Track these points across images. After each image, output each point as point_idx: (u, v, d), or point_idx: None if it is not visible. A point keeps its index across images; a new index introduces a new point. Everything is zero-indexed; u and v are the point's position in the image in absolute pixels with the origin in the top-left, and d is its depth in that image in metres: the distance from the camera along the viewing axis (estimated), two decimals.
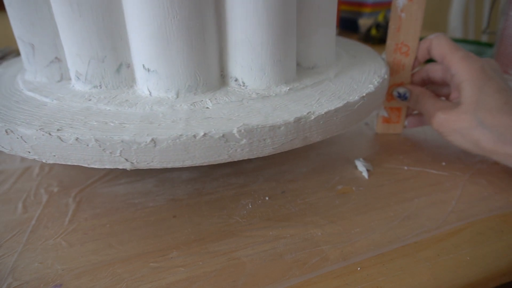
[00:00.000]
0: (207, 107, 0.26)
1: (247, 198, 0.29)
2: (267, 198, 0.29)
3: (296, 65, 0.31)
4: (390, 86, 0.36)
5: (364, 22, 0.83)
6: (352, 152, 0.36)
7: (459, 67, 0.30)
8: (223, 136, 0.23)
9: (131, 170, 0.33)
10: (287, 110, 0.26)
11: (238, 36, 0.27)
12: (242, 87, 0.29)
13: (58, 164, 0.34)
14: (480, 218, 0.27)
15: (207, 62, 0.27)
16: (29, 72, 0.31)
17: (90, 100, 0.27)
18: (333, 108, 0.26)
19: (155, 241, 0.25)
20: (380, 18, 0.78)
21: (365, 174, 0.32)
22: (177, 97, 0.27)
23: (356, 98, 0.28)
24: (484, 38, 1.03)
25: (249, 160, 0.34)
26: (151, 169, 0.32)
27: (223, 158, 0.24)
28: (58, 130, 0.23)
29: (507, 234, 0.25)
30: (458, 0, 1.11)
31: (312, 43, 0.32)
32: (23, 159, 0.35)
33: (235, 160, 0.25)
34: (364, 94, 0.28)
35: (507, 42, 0.48)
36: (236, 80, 0.29)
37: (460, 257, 0.24)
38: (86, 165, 0.24)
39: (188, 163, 0.24)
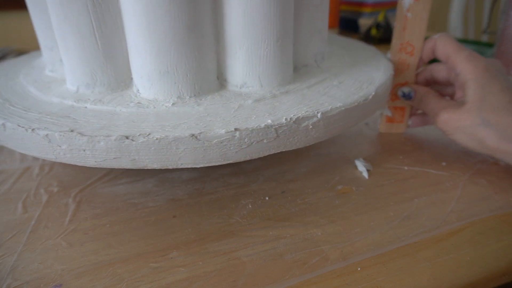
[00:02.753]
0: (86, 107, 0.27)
1: (247, 198, 0.29)
2: (267, 198, 0.29)
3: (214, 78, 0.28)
4: (394, 86, 0.36)
5: (364, 22, 0.83)
6: (352, 152, 0.36)
7: (463, 66, 0.30)
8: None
9: (131, 170, 0.33)
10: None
11: (130, 41, 0.26)
12: (137, 94, 0.28)
13: (58, 164, 0.34)
14: (480, 218, 0.27)
15: (110, 64, 0.28)
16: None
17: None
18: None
19: (155, 241, 0.25)
20: (380, 18, 0.78)
21: (365, 174, 0.32)
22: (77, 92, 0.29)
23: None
24: (484, 38, 1.03)
25: (249, 160, 0.34)
26: (151, 169, 0.32)
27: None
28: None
29: (507, 234, 0.25)
30: (458, 0, 1.11)
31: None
32: (23, 159, 0.35)
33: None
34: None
35: (507, 42, 0.48)
36: (135, 86, 0.28)
37: (460, 257, 0.24)
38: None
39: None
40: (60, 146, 0.23)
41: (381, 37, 0.76)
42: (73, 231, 0.26)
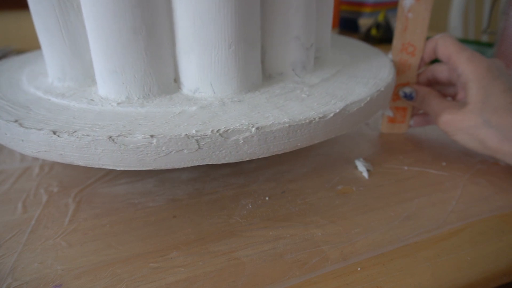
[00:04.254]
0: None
1: (247, 198, 0.29)
2: (267, 198, 0.29)
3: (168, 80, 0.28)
4: (396, 86, 0.36)
5: (364, 22, 0.83)
6: (352, 152, 0.36)
7: (465, 67, 0.30)
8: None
9: (131, 170, 0.33)
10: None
11: (89, 39, 0.27)
12: (96, 92, 0.29)
13: (58, 164, 0.34)
14: (480, 218, 0.27)
15: (78, 60, 0.29)
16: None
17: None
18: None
19: (155, 241, 0.25)
20: (380, 18, 0.78)
21: (365, 174, 0.32)
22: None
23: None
24: (484, 38, 1.03)
25: (249, 160, 0.34)
26: (151, 169, 0.32)
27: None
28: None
29: (507, 234, 0.25)
30: (458, 0, 1.11)
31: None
32: (23, 159, 0.35)
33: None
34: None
35: (507, 42, 0.48)
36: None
37: (461, 257, 0.24)
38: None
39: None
40: (6, 134, 0.24)
41: (381, 37, 0.76)
42: (73, 231, 0.26)
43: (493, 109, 0.28)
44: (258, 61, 0.29)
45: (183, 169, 0.33)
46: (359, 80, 0.31)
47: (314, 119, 0.25)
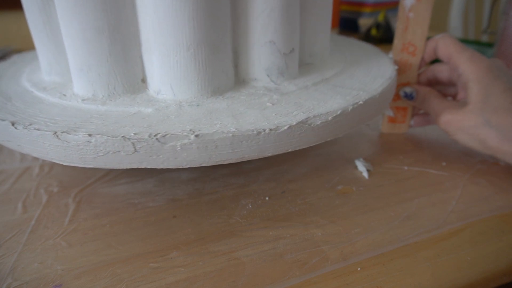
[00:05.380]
0: None
1: (247, 198, 0.29)
2: (267, 198, 0.29)
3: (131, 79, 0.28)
4: (396, 86, 0.36)
5: (364, 22, 0.83)
6: (352, 152, 0.36)
7: (465, 67, 0.30)
8: None
9: (131, 170, 0.33)
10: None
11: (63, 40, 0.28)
12: (72, 87, 0.30)
13: (58, 164, 0.34)
14: (480, 218, 0.27)
15: (62, 55, 0.30)
16: None
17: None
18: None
19: (155, 241, 0.25)
20: (380, 18, 0.78)
21: (365, 174, 0.32)
22: None
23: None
24: (484, 38, 1.03)
25: (249, 160, 0.34)
26: (151, 169, 0.32)
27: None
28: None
29: (507, 234, 0.25)
30: (458, 0, 1.11)
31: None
32: (23, 159, 0.35)
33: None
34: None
35: (507, 42, 0.48)
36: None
37: (461, 257, 0.24)
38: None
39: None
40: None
41: (381, 37, 0.76)
42: (73, 231, 0.26)
43: (493, 109, 0.28)
44: (224, 65, 0.28)
45: (183, 169, 0.33)
46: (342, 90, 0.29)
47: (264, 130, 0.23)
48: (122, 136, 0.22)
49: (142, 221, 0.27)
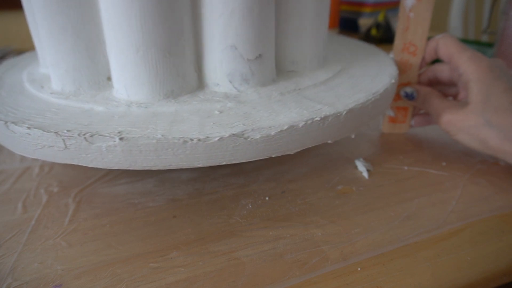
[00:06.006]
0: None
1: (247, 198, 0.29)
2: (267, 198, 0.29)
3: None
4: (397, 86, 0.36)
5: (364, 22, 0.83)
6: (352, 152, 0.36)
7: (466, 66, 0.30)
8: None
9: (131, 170, 0.33)
10: None
11: None
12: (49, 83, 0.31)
13: (58, 164, 0.34)
14: (480, 218, 0.27)
15: None
16: None
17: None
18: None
19: (155, 241, 0.25)
20: (380, 18, 0.78)
21: (365, 174, 0.32)
22: None
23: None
24: (484, 38, 1.03)
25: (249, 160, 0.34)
26: (151, 169, 0.33)
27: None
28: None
29: (507, 234, 0.25)
30: (458, 0, 1.11)
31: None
32: (23, 159, 0.35)
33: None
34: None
35: (507, 42, 0.48)
36: None
37: (461, 257, 0.24)
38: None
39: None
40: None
41: (381, 37, 0.76)
42: (73, 231, 0.26)
43: (494, 109, 0.28)
44: (180, 69, 0.27)
45: (183, 169, 0.33)
46: (308, 103, 0.27)
47: (192, 140, 0.23)
48: (55, 132, 0.23)
49: (142, 221, 0.27)
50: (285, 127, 0.24)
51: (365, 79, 0.31)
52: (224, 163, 0.24)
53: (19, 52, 0.65)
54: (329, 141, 0.27)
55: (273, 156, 0.25)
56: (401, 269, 0.23)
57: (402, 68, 0.35)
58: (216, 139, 0.23)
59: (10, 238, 0.26)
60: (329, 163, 0.34)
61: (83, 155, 0.23)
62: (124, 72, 0.27)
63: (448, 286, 0.22)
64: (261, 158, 0.25)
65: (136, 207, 0.29)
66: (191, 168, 0.33)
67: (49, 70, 0.29)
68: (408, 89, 0.35)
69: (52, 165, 0.34)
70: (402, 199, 0.29)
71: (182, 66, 0.27)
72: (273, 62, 0.30)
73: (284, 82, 0.30)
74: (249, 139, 0.23)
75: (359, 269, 0.23)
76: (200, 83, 0.29)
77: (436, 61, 0.40)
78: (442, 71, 0.34)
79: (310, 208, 0.28)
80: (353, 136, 0.29)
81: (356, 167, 0.33)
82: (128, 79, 0.27)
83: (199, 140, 0.23)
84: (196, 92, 0.29)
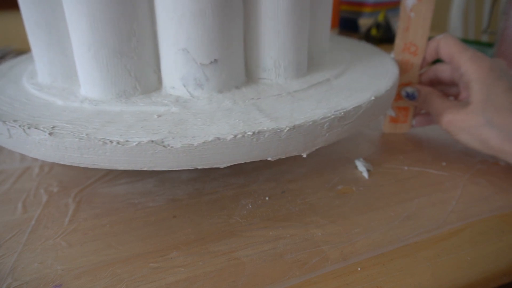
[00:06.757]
0: None
1: (247, 198, 0.29)
2: (267, 198, 0.29)
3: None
4: (398, 86, 0.36)
5: (364, 22, 0.83)
6: (352, 152, 0.36)
7: (467, 66, 0.30)
8: None
9: (131, 170, 0.33)
10: None
11: None
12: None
13: (58, 164, 0.34)
14: (480, 218, 0.27)
15: None
16: None
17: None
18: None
19: (155, 241, 0.25)
20: (380, 18, 0.78)
21: (365, 174, 0.32)
22: None
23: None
24: (484, 38, 1.03)
25: None
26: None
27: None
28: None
29: (507, 234, 0.25)
30: (458, 0, 1.11)
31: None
32: (23, 159, 0.35)
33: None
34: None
35: (507, 42, 0.48)
36: None
37: (461, 257, 0.24)
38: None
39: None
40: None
41: (381, 37, 0.76)
42: (73, 231, 0.26)
43: (495, 109, 0.28)
44: (133, 70, 0.27)
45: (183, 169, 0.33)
46: (254, 116, 0.25)
47: (112, 142, 0.22)
48: (3, 121, 0.24)
49: (142, 221, 0.27)
50: (210, 139, 0.23)
51: (343, 91, 0.29)
52: (145, 169, 0.24)
53: (19, 52, 0.65)
54: (269, 158, 0.25)
55: (199, 168, 0.24)
56: (401, 269, 0.23)
57: (403, 68, 0.35)
58: (135, 143, 0.22)
59: (10, 238, 0.26)
60: (329, 163, 0.34)
61: (23, 145, 0.24)
62: (81, 69, 0.28)
63: (448, 286, 0.22)
64: (184, 169, 0.24)
65: (136, 207, 0.29)
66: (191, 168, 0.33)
67: (34, 61, 0.32)
68: (409, 89, 0.35)
69: (52, 165, 0.34)
70: (402, 199, 0.29)
71: (135, 67, 0.27)
72: (237, 68, 0.29)
73: (248, 90, 0.29)
74: (168, 147, 0.23)
75: (359, 269, 0.23)
76: (159, 85, 0.29)
77: (437, 61, 0.40)
78: (443, 71, 0.34)
79: (310, 208, 0.28)
80: (304, 156, 0.26)
81: (356, 167, 0.33)
82: (84, 76, 0.28)
83: (118, 143, 0.22)
84: (153, 93, 0.29)
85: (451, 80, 0.34)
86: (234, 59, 0.28)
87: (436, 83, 0.36)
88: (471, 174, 0.32)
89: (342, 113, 0.26)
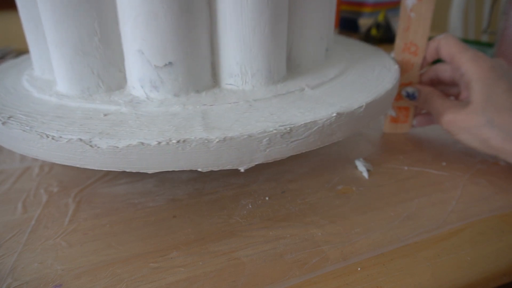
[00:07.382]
0: None
1: (247, 198, 0.29)
2: (267, 198, 0.29)
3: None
4: (398, 86, 0.36)
5: (364, 22, 0.83)
6: (352, 152, 0.36)
7: (468, 66, 0.30)
8: None
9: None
10: None
11: None
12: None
13: (58, 164, 0.34)
14: (480, 218, 0.27)
15: None
16: None
17: None
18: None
19: (155, 241, 0.25)
20: (380, 18, 0.78)
21: (365, 174, 0.32)
22: None
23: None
24: (484, 38, 1.03)
25: None
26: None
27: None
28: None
29: (507, 234, 0.25)
30: (458, 0, 1.11)
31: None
32: (23, 159, 0.35)
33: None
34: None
35: (507, 42, 0.48)
36: None
37: (461, 257, 0.24)
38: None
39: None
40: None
41: (381, 37, 0.76)
42: (73, 231, 0.26)
43: (496, 109, 0.28)
44: (95, 68, 0.28)
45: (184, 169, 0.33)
46: (194, 123, 0.25)
47: (47, 137, 0.23)
48: None
49: (142, 221, 0.27)
50: (134, 143, 0.22)
51: (309, 104, 0.27)
52: (77, 165, 0.24)
53: (19, 52, 0.65)
54: (199, 169, 0.24)
55: (127, 171, 0.24)
56: (401, 269, 0.23)
57: (403, 68, 0.35)
58: (65, 140, 0.23)
59: (10, 238, 0.26)
60: (329, 163, 0.34)
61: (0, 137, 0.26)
62: (53, 64, 0.29)
63: (448, 286, 0.22)
64: (112, 170, 0.24)
65: (136, 207, 0.29)
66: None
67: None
68: (410, 89, 0.35)
69: (52, 165, 0.34)
70: (402, 199, 0.29)
71: (98, 65, 0.28)
72: (198, 72, 0.28)
73: (208, 95, 0.28)
74: (95, 147, 0.23)
75: (359, 269, 0.23)
76: (125, 83, 0.29)
77: (438, 61, 0.40)
78: (443, 71, 0.34)
79: (310, 208, 0.28)
80: (242, 171, 0.25)
81: (356, 167, 0.33)
82: (56, 71, 0.29)
83: (53, 138, 0.23)
84: (116, 91, 0.29)
85: (451, 80, 0.34)
86: (193, 62, 0.27)
87: (436, 83, 0.36)
88: (471, 174, 0.32)
89: (288, 129, 0.24)
